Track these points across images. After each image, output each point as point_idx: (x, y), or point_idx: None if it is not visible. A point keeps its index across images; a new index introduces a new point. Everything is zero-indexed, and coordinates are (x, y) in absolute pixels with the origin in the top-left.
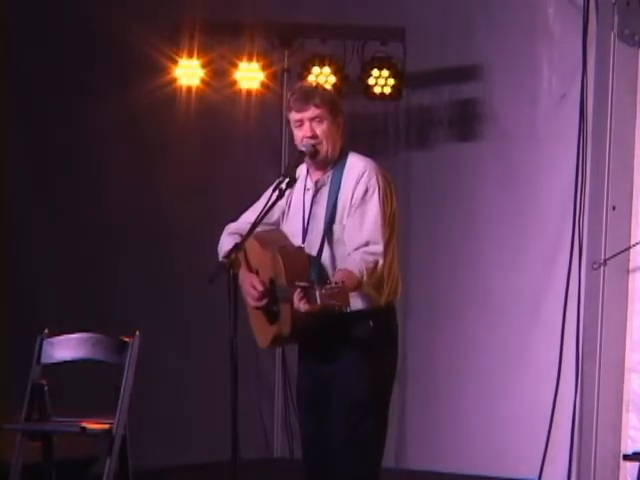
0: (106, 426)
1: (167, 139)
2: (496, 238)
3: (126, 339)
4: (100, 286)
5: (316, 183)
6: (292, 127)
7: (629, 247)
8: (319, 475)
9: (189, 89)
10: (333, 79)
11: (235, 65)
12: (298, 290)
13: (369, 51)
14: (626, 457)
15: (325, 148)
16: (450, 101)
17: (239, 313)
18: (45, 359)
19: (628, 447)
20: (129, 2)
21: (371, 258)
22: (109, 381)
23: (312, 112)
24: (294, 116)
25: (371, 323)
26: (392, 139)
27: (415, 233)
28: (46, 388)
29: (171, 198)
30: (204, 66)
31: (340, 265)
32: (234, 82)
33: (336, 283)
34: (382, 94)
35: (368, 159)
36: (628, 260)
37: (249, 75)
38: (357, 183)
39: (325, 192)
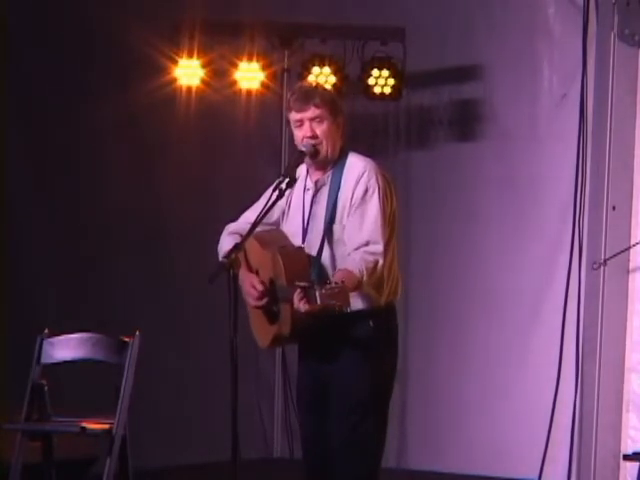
0: (106, 426)
1: (167, 139)
2: (496, 238)
3: (126, 339)
4: (100, 286)
5: (316, 183)
6: (292, 127)
7: (629, 247)
8: (319, 475)
9: (189, 89)
10: (333, 79)
11: (235, 65)
12: (298, 290)
13: (369, 51)
14: (626, 457)
15: (325, 148)
16: (450, 101)
17: (239, 313)
18: (45, 359)
19: (628, 447)
20: (129, 2)
21: (371, 258)
22: (109, 381)
23: (312, 112)
24: (294, 116)
25: (371, 323)
26: (392, 139)
27: (415, 233)
28: (46, 388)
29: (171, 198)
30: (204, 66)
31: (340, 265)
32: (234, 82)
33: (336, 283)
34: (382, 94)
35: (368, 159)
36: (628, 260)
37: (249, 75)
38: (357, 183)
39: (325, 192)
